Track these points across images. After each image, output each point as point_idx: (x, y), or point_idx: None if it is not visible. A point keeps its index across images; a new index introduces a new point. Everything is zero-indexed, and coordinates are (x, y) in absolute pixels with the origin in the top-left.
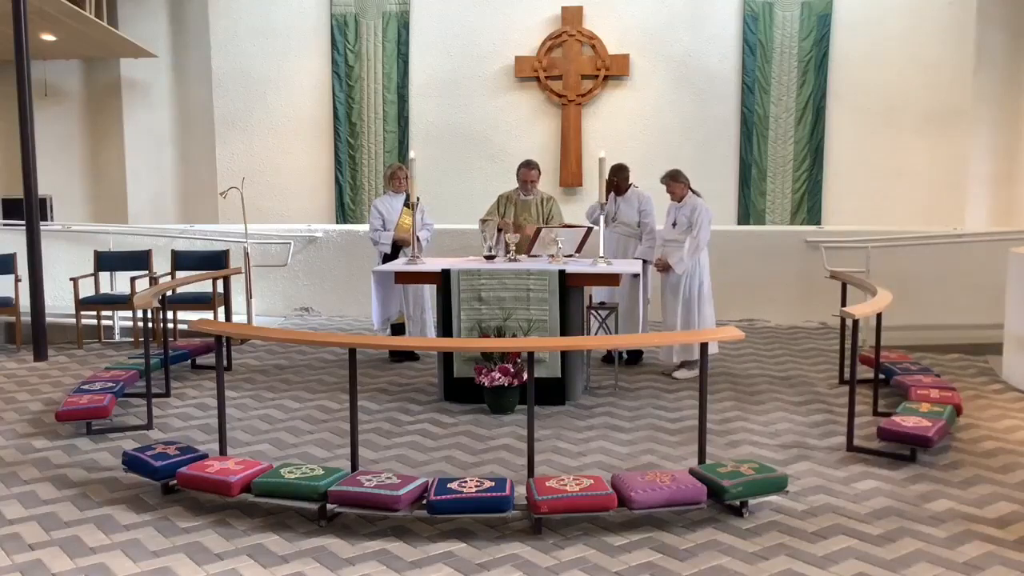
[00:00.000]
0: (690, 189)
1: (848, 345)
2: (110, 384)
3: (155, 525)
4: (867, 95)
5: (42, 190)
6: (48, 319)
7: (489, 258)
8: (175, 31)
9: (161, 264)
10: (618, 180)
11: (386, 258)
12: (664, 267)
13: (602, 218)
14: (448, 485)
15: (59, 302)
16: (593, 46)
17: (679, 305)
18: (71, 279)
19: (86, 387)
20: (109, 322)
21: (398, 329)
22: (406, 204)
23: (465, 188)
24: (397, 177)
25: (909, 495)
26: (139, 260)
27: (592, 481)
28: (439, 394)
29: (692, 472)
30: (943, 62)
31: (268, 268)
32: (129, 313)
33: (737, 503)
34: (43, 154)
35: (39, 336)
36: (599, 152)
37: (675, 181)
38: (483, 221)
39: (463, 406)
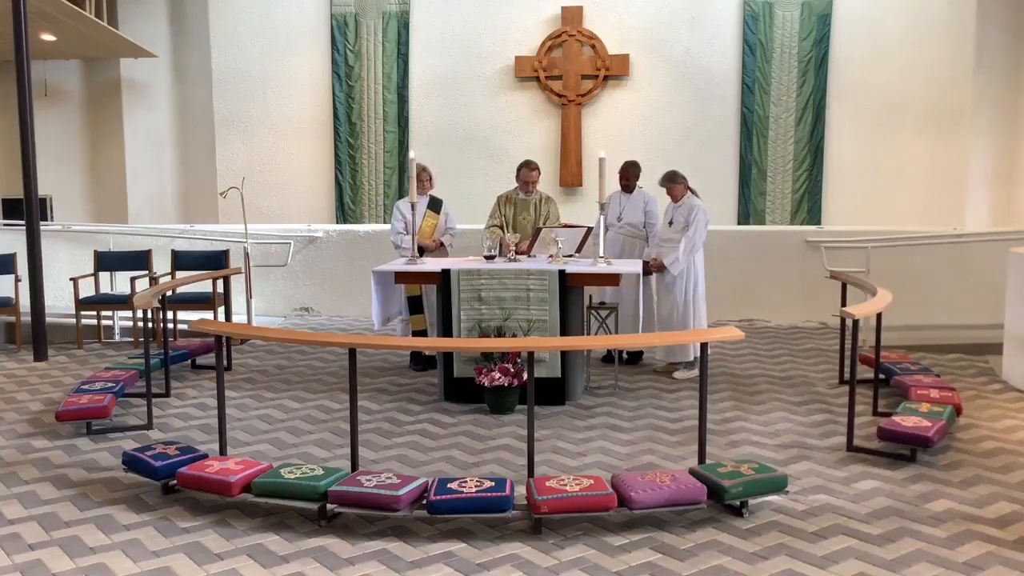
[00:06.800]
0: (688, 189)
1: (848, 345)
2: (110, 384)
3: (155, 525)
4: (867, 95)
5: (42, 190)
6: (48, 319)
7: (489, 258)
8: (175, 31)
9: (161, 264)
10: (628, 177)
11: None
12: (659, 267)
13: (602, 218)
14: (448, 485)
15: (59, 302)
16: (593, 46)
17: (674, 305)
18: (71, 279)
19: (86, 387)
20: (109, 322)
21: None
22: (430, 207)
23: (465, 188)
24: (421, 179)
25: (909, 495)
26: (139, 260)
27: (592, 481)
28: (439, 394)
29: (692, 472)
30: (943, 62)
31: (268, 268)
32: (129, 313)
33: (737, 503)
34: (43, 154)
35: (39, 336)
36: (599, 152)
37: (673, 183)
38: (488, 228)
39: (463, 406)
